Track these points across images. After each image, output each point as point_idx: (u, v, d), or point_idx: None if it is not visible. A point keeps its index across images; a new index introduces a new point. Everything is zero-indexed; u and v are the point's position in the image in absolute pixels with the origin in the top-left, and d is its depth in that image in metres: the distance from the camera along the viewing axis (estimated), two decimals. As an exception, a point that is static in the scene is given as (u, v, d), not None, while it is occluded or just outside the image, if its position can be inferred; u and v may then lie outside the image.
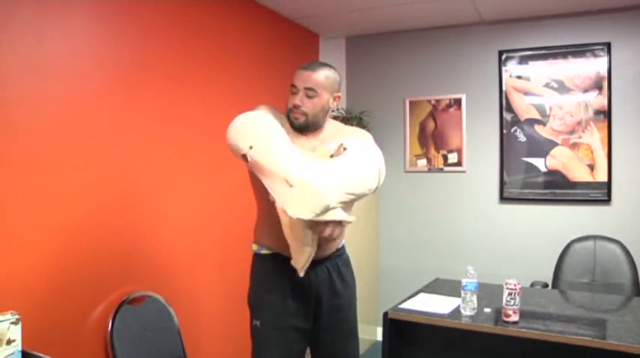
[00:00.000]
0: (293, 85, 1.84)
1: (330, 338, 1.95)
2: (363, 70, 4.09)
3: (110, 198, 2.25)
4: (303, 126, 1.85)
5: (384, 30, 3.96)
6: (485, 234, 3.71)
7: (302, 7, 3.41)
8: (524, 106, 3.59)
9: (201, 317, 2.76)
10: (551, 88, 3.52)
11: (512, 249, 3.62)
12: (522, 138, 3.59)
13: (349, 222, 1.63)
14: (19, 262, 1.89)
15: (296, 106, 1.82)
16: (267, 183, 1.67)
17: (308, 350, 2.03)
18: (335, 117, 3.80)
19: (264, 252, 1.91)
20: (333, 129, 1.94)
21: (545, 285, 2.98)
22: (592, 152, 3.42)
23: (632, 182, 3.35)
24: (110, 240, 2.25)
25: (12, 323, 1.60)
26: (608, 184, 3.39)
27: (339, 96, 1.92)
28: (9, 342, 1.59)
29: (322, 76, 1.83)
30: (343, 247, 2.03)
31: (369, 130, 3.79)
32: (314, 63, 1.88)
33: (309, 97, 1.81)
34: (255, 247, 1.94)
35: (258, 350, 1.92)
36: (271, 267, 1.88)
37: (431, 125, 3.88)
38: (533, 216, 3.58)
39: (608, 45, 3.37)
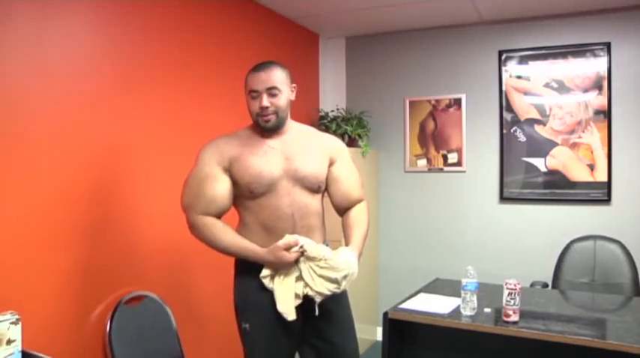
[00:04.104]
0: (253, 90, 1.85)
1: (327, 339, 1.93)
2: (363, 70, 4.09)
3: (109, 198, 2.25)
4: (276, 125, 1.88)
5: (384, 30, 3.96)
6: (485, 234, 3.71)
7: (302, 7, 3.41)
8: (524, 106, 3.59)
9: (198, 317, 2.76)
10: (551, 87, 3.52)
11: (512, 249, 3.62)
12: (522, 138, 3.59)
13: None
14: (19, 262, 1.89)
15: (264, 108, 1.84)
16: None
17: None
18: (335, 118, 3.80)
19: None
20: (294, 133, 1.96)
21: (545, 285, 2.98)
22: (592, 152, 3.42)
23: (632, 182, 3.35)
24: (109, 240, 2.25)
25: (12, 323, 1.60)
26: (608, 184, 3.38)
27: (295, 87, 1.95)
28: (9, 342, 1.59)
29: (278, 72, 1.86)
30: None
31: (368, 130, 3.83)
32: (263, 63, 1.88)
33: (274, 96, 1.84)
34: None
35: (250, 353, 1.91)
36: (258, 268, 1.85)
37: (431, 125, 3.88)
38: (533, 216, 3.58)
39: (608, 45, 3.37)
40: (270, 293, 1.83)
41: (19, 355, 1.63)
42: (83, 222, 2.13)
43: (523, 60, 3.59)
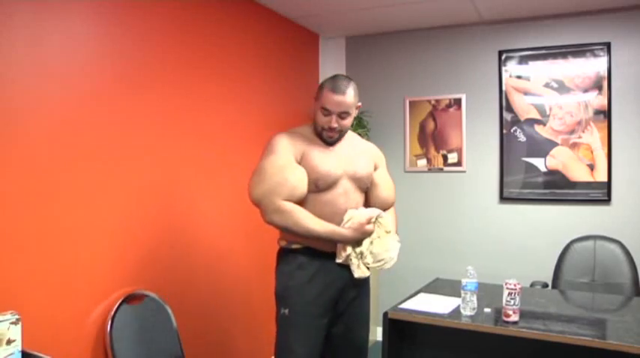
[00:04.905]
0: (325, 108, 1.98)
1: (345, 321, 2.10)
2: (363, 70, 4.09)
3: (108, 198, 2.25)
4: (336, 141, 2.07)
5: (384, 30, 3.96)
6: (485, 234, 3.71)
7: (302, 7, 3.41)
8: (524, 106, 3.59)
9: (198, 317, 2.76)
10: (551, 87, 3.52)
11: (512, 249, 3.62)
12: (522, 138, 3.59)
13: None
14: (19, 262, 1.89)
15: (332, 129, 2.01)
16: None
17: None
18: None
19: (294, 246, 2.04)
20: (349, 138, 2.16)
21: (545, 285, 2.98)
22: (592, 152, 3.42)
23: (632, 182, 3.35)
24: (109, 239, 2.25)
25: (12, 323, 1.60)
26: (608, 184, 3.38)
27: (359, 105, 2.12)
28: (9, 342, 1.59)
29: (351, 97, 2.01)
30: None
31: (368, 130, 3.82)
32: (341, 83, 1.98)
33: (343, 118, 2.01)
34: (283, 243, 2.09)
35: (286, 336, 2.03)
36: (301, 260, 2.02)
37: (431, 125, 3.88)
38: (533, 216, 3.58)
39: (608, 45, 3.37)
40: (308, 281, 1.99)
41: (19, 355, 1.63)
42: (82, 222, 2.13)
43: (523, 60, 3.59)
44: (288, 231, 1.98)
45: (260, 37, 3.31)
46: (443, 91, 3.84)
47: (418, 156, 3.93)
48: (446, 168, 3.85)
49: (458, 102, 3.79)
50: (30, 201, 1.93)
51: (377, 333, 3.94)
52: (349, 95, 1.98)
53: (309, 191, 1.99)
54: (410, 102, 3.94)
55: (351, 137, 2.18)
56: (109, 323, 2.17)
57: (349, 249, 2.00)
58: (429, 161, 3.90)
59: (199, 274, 2.78)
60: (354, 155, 2.11)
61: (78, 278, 2.11)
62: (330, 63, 4.15)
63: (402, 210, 3.96)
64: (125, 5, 2.33)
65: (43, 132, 1.97)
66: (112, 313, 2.19)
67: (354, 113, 2.07)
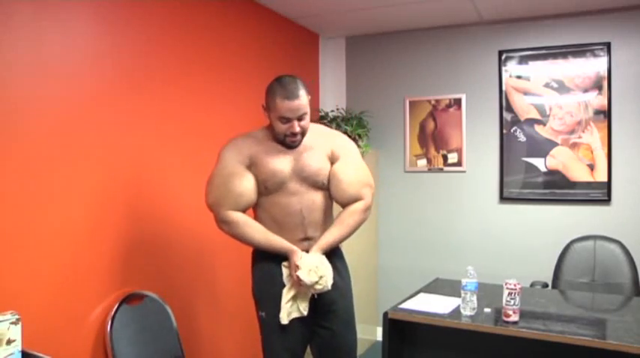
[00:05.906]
0: (283, 117, 1.92)
1: (328, 327, 2.07)
2: (363, 70, 4.09)
3: (109, 198, 2.25)
4: (300, 143, 2.01)
5: (384, 30, 3.96)
6: (485, 234, 3.71)
7: (302, 7, 3.41)
8: (524, 106, 3.59)
9: (198, 316, 2.77)
10: (551, 87, 3.52)
11: (512, 249, 3.62)
12: (522, 138, 3.59)
13: None
14: (19, 262, 1.89)
15: (295, 134, 1.95)
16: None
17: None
18: (335, 118, 3.80)
19: None
20: (310, 134, 2.05)
21: (545, 285, 2.98)
22: (592, 152, 3.42)
23: (632, 182, 3.35)
24: (108, 240, 2.25)
25: (12, 323, 1.60)
26: (608, 184, 3.38)
27: (310, 98, 2.03)
28: (9, 342, 1.60)
29: (305, 97, 1.95)
30: None
31: (368, 130, 3.82)
32: (292, 87, 1.92)
33: (302, 119, 1.95)
34: None
35: (266, 339, 2.04)
36: (272, 261, 2.01)
37: (431, 125, 3.88)
38: (533, 216, 3.58)
39: (608, 45, 3.37)
40: (281, 283, 1.98)
41: (19, 355, 1.63)
42: (83, 222, 2.13)
43: (523, 60, 3.59)
44: (238, 241, 2.01)
45: (260, 37, 3.31)
46: (443, 91, 3.84)
47: (418, 156, 3.93)
48: (446, 168, 3.85)
49: (458, 102, 3.79)
50: (30, 200, 1.93)
51: (377, 333, 3.94)
52: (303, 97, 1.93)
53: (261, 194, 2.00)
54: (410, 102, 3.94)
55: (310, 131, 2.04)
56: (109, 323, 2.17)
57: (287, 263, 1.98)
58: (429, 161, 3.90)
59: (199, 274, 2.78)
60: (305, 152, 2.02)
61: (78, 279, 2.11)
62: (330, 63, 4.15)
63: (402, 210, 3.98)
64: (125, 5, 2.33)
65: (43, 132, 1.97)
66: (112, 313, 2.19)
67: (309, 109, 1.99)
